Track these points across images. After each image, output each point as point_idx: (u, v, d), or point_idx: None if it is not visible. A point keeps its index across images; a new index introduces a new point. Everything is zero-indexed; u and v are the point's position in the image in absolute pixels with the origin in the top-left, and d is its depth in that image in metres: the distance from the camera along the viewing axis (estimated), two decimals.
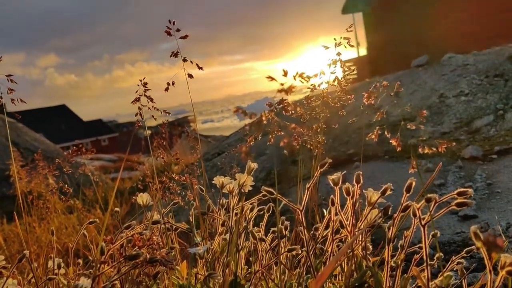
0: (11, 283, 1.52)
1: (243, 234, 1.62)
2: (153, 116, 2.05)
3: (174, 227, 1.69)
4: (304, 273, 1.51)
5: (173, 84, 1.96)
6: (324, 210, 2.02)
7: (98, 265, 1.14)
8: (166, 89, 1.95)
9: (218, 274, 1.36)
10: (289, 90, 1.67)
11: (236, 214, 1.60)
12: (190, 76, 1.85)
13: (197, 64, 1.88)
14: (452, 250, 2.51)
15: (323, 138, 2.22)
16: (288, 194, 4.52)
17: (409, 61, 10.38)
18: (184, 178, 2.16)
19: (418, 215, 1.20)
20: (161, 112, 2.05)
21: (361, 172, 1.41)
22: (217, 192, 1.79)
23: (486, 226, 2.71)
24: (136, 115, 2.02)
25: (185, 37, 1.89)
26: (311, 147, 2.21)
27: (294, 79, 1.47)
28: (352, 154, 5.47)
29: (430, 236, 1.45)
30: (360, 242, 1.36)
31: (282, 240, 1.63)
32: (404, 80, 7.69)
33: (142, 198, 1.70)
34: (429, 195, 1.21)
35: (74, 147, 4.23)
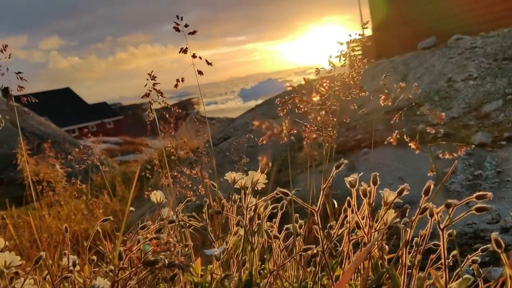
0: (28, 283, 1.54)
1: (257, 231, 1.62)
2: (161, 96, 2.03)
3: (188, 224, 1.70)
4: (319, 271, 1.51)
5: (182, 80, 1.94)
6: (334, 201, 2.02)
7: (117, 271, 1.15)
8: (176, 86, 1.93)
9: (235, 275, 1.37)
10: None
11: (249, 213, 1.60)
12: (200, 72, 1.83)
13: (206, 60, 1.85)
14: (464, 242, 2.52)
15: (334, 132, 2.21)
16: (296, 182, 4.52)
17: (416, 42, 10.26)
18: (195, 172, 2.15)
19: (437, 219, 1.19)
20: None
21: (377, 174, 1.40)
22: (226, 181, 1.78)
23: (497, 217, 2.70)
24: (142, 97, 1.99)
25: (193, 32, 1.87)
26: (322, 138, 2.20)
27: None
28: (360, 140, 5.45)
29: (447, 236, 1.44)
30: (377, 244, 1.36)
31: (297, 238, 1.63)
32: (411, 63, 7.61)
33: (156, 196, 1.70)
34: (449, 201, 1.20)
35: (86, 130, 4.22)
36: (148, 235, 1.46)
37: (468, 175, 3.50)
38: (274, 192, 1.68)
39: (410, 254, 1.40)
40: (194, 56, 1.86)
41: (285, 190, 1.48)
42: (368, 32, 22.59)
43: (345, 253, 1.43)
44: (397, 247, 1.47)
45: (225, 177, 1.85)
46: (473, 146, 4.19)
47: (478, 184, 3.37)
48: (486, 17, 12.03)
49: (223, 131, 10.32)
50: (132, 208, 1.72)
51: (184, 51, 1.86)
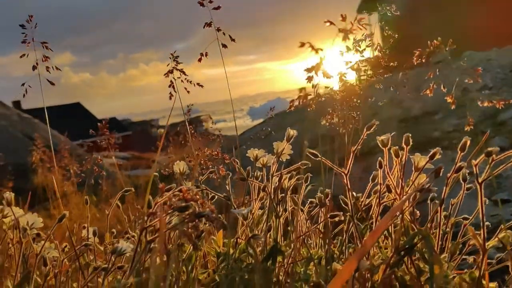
0: (49, 247, 1.51)
1: (281, 203, 1.59)
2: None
3: (210, 196, 1.67)
4: (346, 240, 1.47)
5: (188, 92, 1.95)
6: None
7: (146, 218, 1.12)
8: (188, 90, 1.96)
9: (261, 236, 1.33)
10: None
11: (274, 182, 1.57)
12: (225, 46, 1.83)
13: (229, 36, 1.85)
14: (489, 231, 2.46)
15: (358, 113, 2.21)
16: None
17: (427, 59, 10.25)
18: (216, 152, 2.14)
19: (475, 171, 1.16)
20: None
21: (410, 134, 1.37)
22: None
23: None
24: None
25: (218, 8, 1.87)
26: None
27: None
28: (374, 147, 5.41)
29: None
30: (407, 207, 1.32)
31: (322, 209, 1.60)
32: (424, 75, 7.60)
33: (179, 165, 1.68)
34: (489, 149, 1.17)
35: (103, 141, 4.29)
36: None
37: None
38: (300, 163, 1.66)
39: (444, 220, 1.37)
40: (225, 46, 1.86)
41: (314, 151, 1.45)
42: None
43: (375, 218, 1.39)
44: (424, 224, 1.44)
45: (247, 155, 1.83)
46: None
47: (499, 182, 3.32)
48: (498, 33, 12.04)
49: (232, 143, 10.34)
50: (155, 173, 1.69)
51: (209, 25, 1.86)
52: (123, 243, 1.41)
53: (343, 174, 1.42)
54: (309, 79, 2.10)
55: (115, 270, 1.37)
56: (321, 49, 1.47)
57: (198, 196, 1.16)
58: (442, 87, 1.89)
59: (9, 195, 1.40)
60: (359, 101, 2.58)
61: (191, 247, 1.31)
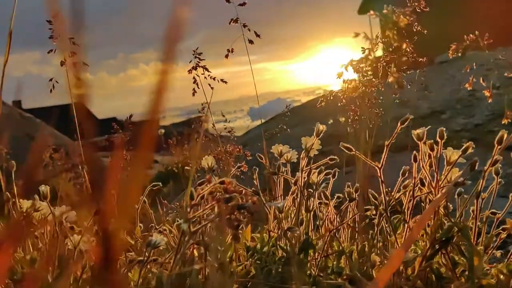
0: (84, 240, 1.52)
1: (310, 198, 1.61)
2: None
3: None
4: (377, 234, 1.49)
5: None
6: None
7: (190, 209, 1.13)
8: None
9: (297, 229, 1.35)
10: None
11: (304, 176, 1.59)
12: (251, 42, 1.84)
13: (255, 32, 1.86)
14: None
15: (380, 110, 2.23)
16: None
17: (430, 60, 10.27)
18: (238, 149, 2.15)
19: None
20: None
21: (444, 128, 1.39)
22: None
23: None
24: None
25: (243, 4, 1.89)
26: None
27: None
28: (382, 146, 5.42)
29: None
30: (442, 201, 1.34)
31: (350, 204, 1.61)
32: (429, 75, 7.62)
33: (207, 160, 1.69)
34: None
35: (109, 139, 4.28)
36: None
37: (502, 173, 3.46)
38: (328, 158, 1.67)
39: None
40: (251, 42, 1.87)
41: (348, 145, 1.47)
42: (379, 52, 22.72)
43: (408, 211, 1.41)
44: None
45: (271, 151, 1.85)
46: None
47: (510, 181, 3.34)
48: (502, 33, 12.04)
49: (238, 142, 10.36)
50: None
51: (235, 21, 1.87)
52: (157, 236, 1.42)
53: (377, 168, 1.43)
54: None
55: (150, 262, 1.39)
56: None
57: (240, 188, 1.18)
58: (481, 81, 1.91)
59: (44, 188, 1.41)
60: (377, 98, 2.60)
61: (229, 238, 1.32)
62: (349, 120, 2.87)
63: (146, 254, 1.40)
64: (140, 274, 1.31)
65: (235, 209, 1.11)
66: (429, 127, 1.46)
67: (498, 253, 1.59)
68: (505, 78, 6.24)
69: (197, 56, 1.88)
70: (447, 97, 6.18)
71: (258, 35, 1.81)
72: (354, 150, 1.45)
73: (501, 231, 1.50)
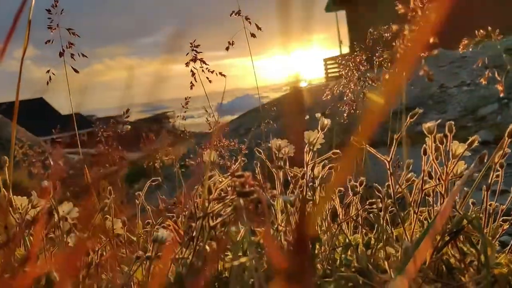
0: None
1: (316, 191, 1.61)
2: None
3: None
4: (383, 227, 1.50)
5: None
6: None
7: (208, 204, 1.11)
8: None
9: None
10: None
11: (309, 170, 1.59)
12: (253, 35, 1.83)
13: (256, 24, 1.85)
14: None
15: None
16: None
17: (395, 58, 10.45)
18: (233, 143, 2.13)
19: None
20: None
21: (452, 122, 1.41)
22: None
23: None
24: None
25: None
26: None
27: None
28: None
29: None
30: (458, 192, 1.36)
31: (354, 198, 1.62)
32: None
33: (210, 155, 1.66)
34: None
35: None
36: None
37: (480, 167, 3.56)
38: (331, 152, 1.68)
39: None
40: (253, 35, 1.85)
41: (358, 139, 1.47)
42: (346, 50, 23.00)
43: (416, 203, 1.42)
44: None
45: (269, 145, 1.84)
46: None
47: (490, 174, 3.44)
48: (471, 33, 12.36)
49: (208, 137, 10.27)
50: None
51: (237, 12, 1.84)
52: (163, 231, 1.39)
53: (386, 161, 1.45)
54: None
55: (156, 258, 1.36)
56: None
57: (258, 182, 1.16)
58: (496, 75, 1.95)
59: (46, 182, 1.36)
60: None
61: (242, 235, 1.31)
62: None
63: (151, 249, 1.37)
64: (150, 270, 1.28)
65: (255, 203, 1.10)
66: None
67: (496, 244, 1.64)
68: (475, 74, 6.42)
69: (194, 48, 1.85)
70: (419, 93, 6.31)
71: (259, 28, 1.80)
72: (365, 144, 1.46)
73: (501, 222, 1.54)
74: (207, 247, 1.27)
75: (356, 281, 1.29)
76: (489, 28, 1.92)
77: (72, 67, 1.62)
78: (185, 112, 3.18)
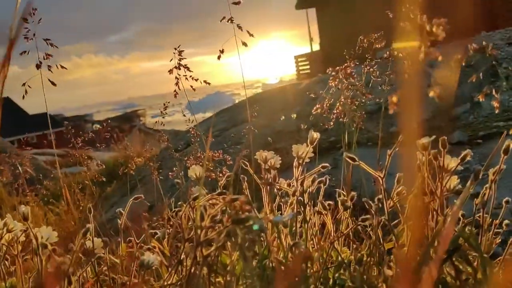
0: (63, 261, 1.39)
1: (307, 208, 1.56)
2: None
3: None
4: (375, 243, 1.47)
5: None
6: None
7: (201, 232, 1.05)
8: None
9: (302, 243, 1.30)
10: None
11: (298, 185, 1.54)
12: (245, 44, 1.77)
13: (248, 31, 1.79)
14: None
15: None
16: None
17: (365, 56, 10.54)
18: (217, 154, 2.07)
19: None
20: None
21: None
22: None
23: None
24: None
25: (238, 3, 1.81)
26: None
27: None
28: (334, 142, 5.51)
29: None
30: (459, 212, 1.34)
31: (344, 213, 1.59)
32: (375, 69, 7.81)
33: (195, 170, 1.60)
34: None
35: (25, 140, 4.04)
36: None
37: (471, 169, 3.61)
38: (320, 166, 1.63)
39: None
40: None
41: (351, 155, 1.44)
42: (317, 47, 23.09)
43: (409, 220, 1.40)
44: None
45: (255, 157, 1.79)
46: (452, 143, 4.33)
47: (468, 176, 3.47)
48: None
49: (184, 138, 10.13)
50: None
51: (231, 20, 1.79)
52: (149, 255, 1.33)
53: (379, 177, 1.41)
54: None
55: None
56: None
57: (249, 207, 1.11)
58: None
59: (25, 209, 1.27)
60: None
61: (235, 257, 1.25)
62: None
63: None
64: None
65: (250, 230, 1.05)
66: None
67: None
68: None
69: (179, 54, 1.78)
70: (392, 93, 6.34)
71: (251, 35, 1.74)
72: (359, 162, 1.42)
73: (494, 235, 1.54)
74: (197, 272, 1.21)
75: None
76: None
77: (49, 80, 1.53)
78: (165, 111, 3.11)
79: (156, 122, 3.42)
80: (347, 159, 1.43)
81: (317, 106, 2.49)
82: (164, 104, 3.04)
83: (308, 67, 23.08)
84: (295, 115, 6.43)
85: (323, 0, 21.42)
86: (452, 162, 1.40)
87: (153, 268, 1.32)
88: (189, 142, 9.75)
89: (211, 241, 1.11)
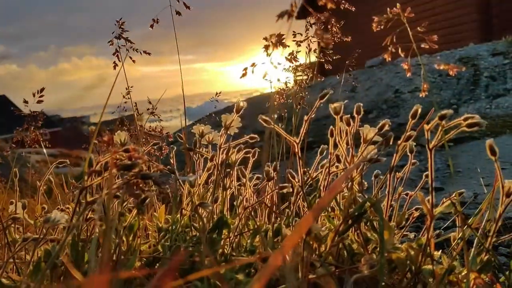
0: None
1: (228, 176, 1.55)
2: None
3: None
4: (294, 213, 1.45)
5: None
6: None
7: (87, 177, 1.03)
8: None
9: (209, 204, 1.28)
10: None
11: (222, 154, 1.52)
12: (179, 13, 1.76)
13: (184, 3, 1.78)
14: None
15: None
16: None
17: (362, 64, 10.60)
18: (160, 130, 2.05)
19: (427, 137, 1.18)
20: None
21: (361, 104, 1.38)
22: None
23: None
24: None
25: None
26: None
27: None
28: (312, 142, 5.50)
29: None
30: (356, 177, 1.32)
31: (269, 183, 1.57)
32: (360, 77, 7.85)
33: (120, 136, 1.58)
34: (443, 112, 1.19)
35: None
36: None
37: (421, 166, 3.61)
38: (248, 136, 1.62)
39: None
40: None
41: (266, 118, 1.42)
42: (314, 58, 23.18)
43: (324, 187, 1.38)
44: None
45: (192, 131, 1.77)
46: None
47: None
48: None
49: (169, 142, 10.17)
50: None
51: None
52: (57, 213, 1.30)
53: (294, 143, 1.40)
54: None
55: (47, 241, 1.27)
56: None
57: (145, 157, 1.09)
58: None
59: None
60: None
61: (133, 215, 1.23)
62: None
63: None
64: (34, 252, 1.19)
65: (138, 176, 1.03)
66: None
67: (411, 235, 1.61)
68: (429, 82, 6.51)
69: (120, 26, 1.77)
70: (374, 98, 6.37)
71: (187, 7, 1.73)
72: (273, 124, 1.41)
73: (414, 210, 1.52)
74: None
75: (256, 266, 1.23)
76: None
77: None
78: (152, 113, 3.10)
79: (150, 126, 3.41)
80: (261, 120, 1.42)
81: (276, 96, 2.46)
82: (153, 107, 3.01)
83: (305, 77, 23.18)
84: (275, 116, 6.44)
85: (322, 12, 21.54)
86: (370, 132, 1.39)
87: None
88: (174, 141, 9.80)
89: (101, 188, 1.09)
